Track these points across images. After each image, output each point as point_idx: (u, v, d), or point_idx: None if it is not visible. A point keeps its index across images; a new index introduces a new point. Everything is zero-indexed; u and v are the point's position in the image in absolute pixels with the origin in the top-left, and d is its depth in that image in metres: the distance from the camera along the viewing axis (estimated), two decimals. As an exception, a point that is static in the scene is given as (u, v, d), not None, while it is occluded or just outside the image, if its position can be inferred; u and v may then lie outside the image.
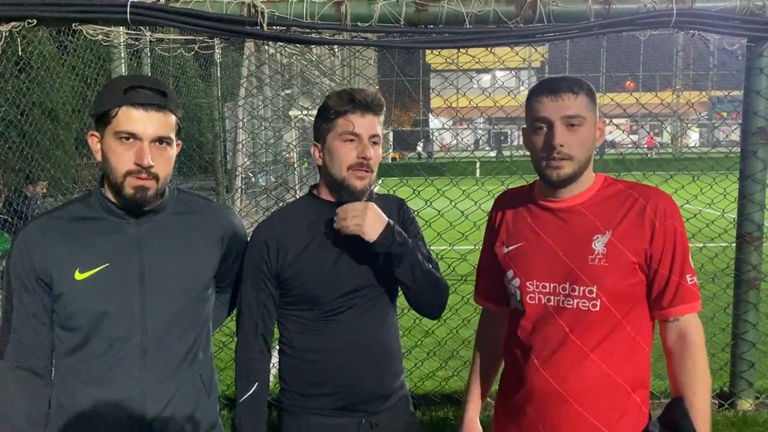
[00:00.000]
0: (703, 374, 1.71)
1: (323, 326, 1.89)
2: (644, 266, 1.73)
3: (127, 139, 1.63)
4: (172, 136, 1.70)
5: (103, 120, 1.64)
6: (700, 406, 1.68)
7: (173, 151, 1.72)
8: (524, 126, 1.84)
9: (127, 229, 1.72)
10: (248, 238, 1.97)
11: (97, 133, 1.69)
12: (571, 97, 1.71)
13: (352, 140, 1.84)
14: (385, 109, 1.91)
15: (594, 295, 1.71)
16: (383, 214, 1.82)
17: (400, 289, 1.95)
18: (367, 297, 1.90)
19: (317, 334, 1.90)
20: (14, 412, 1.69)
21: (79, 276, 1.66)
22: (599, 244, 1.72)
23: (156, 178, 1.66)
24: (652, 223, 1.71)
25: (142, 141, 1.63)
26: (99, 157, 1.70)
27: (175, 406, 1.74)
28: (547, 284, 1.77)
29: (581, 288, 1.73)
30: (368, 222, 1.78)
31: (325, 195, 1.94)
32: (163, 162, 1.68)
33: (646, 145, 29.22)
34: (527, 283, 1.80)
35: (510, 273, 1.86)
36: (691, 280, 1.73)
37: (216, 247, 1.86)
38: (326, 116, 1.88)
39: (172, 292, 1.73)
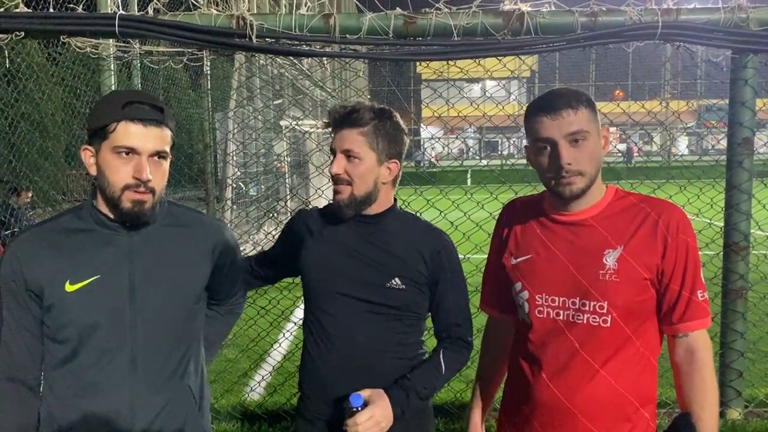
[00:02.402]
0: (710, 390, 1.69)
1: (319, 324, 1.95)
2: (655, 282, 1.70)
3: (127, 153, 1.63)
4: (168, 150, 1.71)
5: (99, 134, 1.64)
6: (708, 422, 1.67)
7: (167, 164, 1.73)
8: (526, 144, 1.82)
9: (118, 242, 1.72)
10: (239, 249, 2.03)
11: (91, 148, 1.68)
12: (570, 113, 1.67)
13: (334, 155, 1.91)
14: (368, 119, 1.89)
15: (605, 311, 1.69)
16: (387, 411, 1.78)
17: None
18: (365, 303, 1.91)
19: (316, 332, 1.96)
20: (3, 424, 1.67)
21: (69, 288, 1.66)
22: (610, 259, 1.70)
23: (153, 191, 1.67)
24: (664, 238, 1.69)
25: (141, 155, 1.64)
26: (93, 171, 1.70)
27: (164, 419, 1.73)
28: (557, 298, 1.75)
29: (592, 303, 1.71)
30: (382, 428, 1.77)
31: None
32: (160, 176, 1.69)
33: (617, 155, 29.43)
34: (536, 297, 1.79)
35: (518, 285, 1.84)
36: (702, 296, 1.71)
37: (207, 260, 1.85)
38: None
39: (162, 305, 1.73)
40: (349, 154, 1.88)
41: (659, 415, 1.80)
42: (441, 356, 1.95)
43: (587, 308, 1.71)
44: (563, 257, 1.76)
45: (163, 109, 1.68)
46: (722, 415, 3.65)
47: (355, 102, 1.95)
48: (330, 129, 1.94)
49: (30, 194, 8.09)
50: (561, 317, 1.75)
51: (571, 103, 1.68)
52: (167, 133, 1.70)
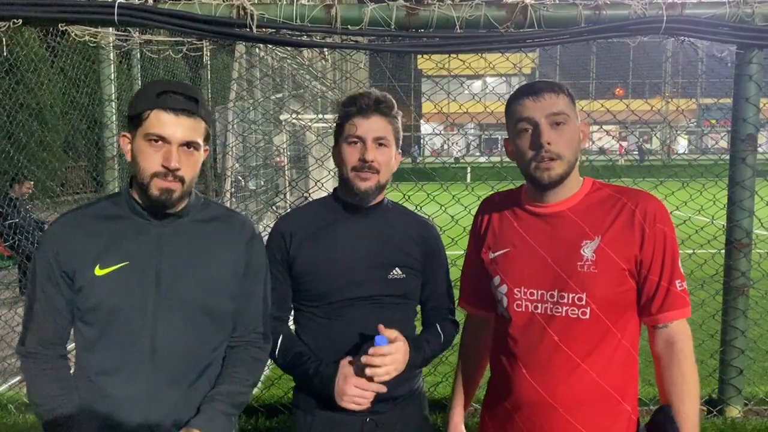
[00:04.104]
0: (691, 382, 1.69)
1: (326, 323, 1.94)
2: (634, 272, 1.70)
3: (156, 141, 1.68)
4: (200, 141, 1.74)
5: (135, 122, 1.70)
6: (688, 414, 1.66)
7: (200, 156, 1.77)
8: (506, 137, 1.82)
9: (150, 231, 1.77)
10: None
11: (128, 135, 1.74)
12: (552, 96, 1.70)
13: (356, 143, 1.89)
14: (395, 110, 1.94)
15: (583, 303, 1.69)
16: (405, 357, 1.84)
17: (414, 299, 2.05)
18: (372, 301, 1.93)
19: (321, 330, 1.95)
20: (48, 388, 1.72)
21: (99, 272, 1.72)
22: (588, 251, 1.70)
23: (182, 180, 1.71)
24: (641, 228, 1.69)
25: (171, 144, 1.68)
26: (129, 158, 1.75)
27: (181, 412, 1.75)
28: (535, 291, 1.75)
29: (570, 295, 1.70)
30: (395, 372, 1.82)
31: (343, 195, 2.01)
32: (190, 165, 1.73)
33: (617, 152, 29.49)
34: (514, 290, 1.78)
35: (497, 279, 1.83)
36: (680, 286, 1.71)
37: (239, 257, 1.86)
38: (338, 121, 1.95)
39: (187, 296, 1.76)
40: (380, 142, 1.90)
41: (640, 413, 1.79)
42: (438, 328, 2.04)
43: (565, 300, 1.70)
44: (540, 249, 1.76)
45: (198, 99, 1.72)
46: (721, 413, 3.64)
47: (373, 90, 1.95)
48: (342, 115, 1.93)
49: (30, 185, 8.06)
50: (539, 310, 1.74)
51: (553, 87, 1.72)
52: (200, 124, 1.74)
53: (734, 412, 3.64)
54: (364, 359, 1.77)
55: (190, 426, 1.73)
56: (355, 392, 1.78)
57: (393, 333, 1.81)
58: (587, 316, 1.69)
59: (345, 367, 1.82)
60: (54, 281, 1.73)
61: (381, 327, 1.79)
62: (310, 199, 2.16)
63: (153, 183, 1.69)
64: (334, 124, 2.01)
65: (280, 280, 2.00)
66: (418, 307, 2.12)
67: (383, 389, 1.79)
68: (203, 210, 1.86)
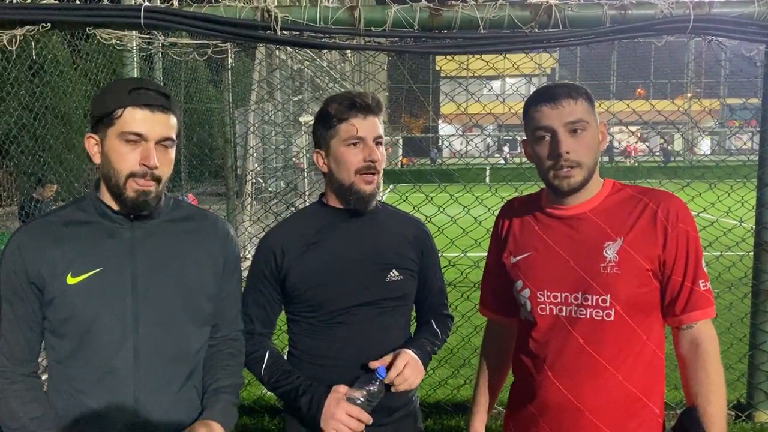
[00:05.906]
0: (717, 383, 1.66)
1: (326, 331, 1.91)
2: (658, 273, 1.69)
3: (135, 140, 1.61)
4: (174, 137, 1.69)
5: (105, 121, 1.62)
6: (715, 416, 1.64)
7: (173, 152, 1.71)
8: (523, 138, 1.81)
9: (121, 234, 1.69)
10: (243, 247, 1.98)
11: (95, 136, 1.66)
12: (570, 102, 1.68)
13: (356, 144, 1.85)
14: (383, 108, 1.92)
15: (608, 305, 1.67)
16: (417, 362, 1.86)
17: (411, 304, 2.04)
18: (372, 306, 1.90)
19: (320, 338, 1.92)
20: (19, 414, 1.62)
21: (71, 280, 1.63)
22: (611, 252, 1.68)
23: (158, 180, 1.65)
24: (664, 228, 1.67)
25: (148, 142, 1.62)
26: (97, 160, 1.68)
27: (170, 416, 1.69)
28: (559, 294, 1.73)
29: (594, 297, 1.69)
30: (417, 381, 1.85)
31: (333, 202, 1.95)
32: (166, 163, 1.67)
33: (627, 153, 29.14)
34: (538, 294, 1.77)
35: (519, 283, 1.82)
36: (704, 286, 1.69)
37: (216, 256, 1.82)
38: (328, 123, 1.88)
39: (166, 299, 1.70)
40: (378, 141, 1.88)
41: (666, 417, 1.77)
42: (434, 324, 2.04)
43: (590, 302, 1.69)
44: (563, 252, 1.75)
45: (169, 95, 1.66)
46: (750, 417, 3.59)
47: (357, 91, 1.92)
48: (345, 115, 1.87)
49: (55, 187, 8.16)
50: (564, 313, 1.73)
51: (571, 93, 1.69)
52: (173, 120, 1.68)
53: (763, 417, 3.58)
54: (394, 386, 1.78)
55: (205, 419, 1.67)
56: (344, 419, 1.73)
57: (387, 359, 1.82)
58: (612, 318, 1.67)
59: (338, 391, 1.78)
60: (21, 294, 1.64)
61: (372, 363, 1.80)
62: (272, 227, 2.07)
63: (129, 184, 1.62)
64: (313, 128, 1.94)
65: (267, 296, 1.95)
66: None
67: (370, 421, 1.76)
68: (174, 210, 1.79)
